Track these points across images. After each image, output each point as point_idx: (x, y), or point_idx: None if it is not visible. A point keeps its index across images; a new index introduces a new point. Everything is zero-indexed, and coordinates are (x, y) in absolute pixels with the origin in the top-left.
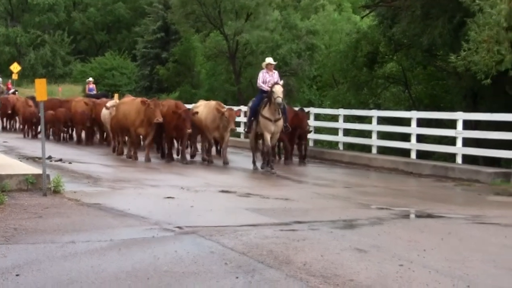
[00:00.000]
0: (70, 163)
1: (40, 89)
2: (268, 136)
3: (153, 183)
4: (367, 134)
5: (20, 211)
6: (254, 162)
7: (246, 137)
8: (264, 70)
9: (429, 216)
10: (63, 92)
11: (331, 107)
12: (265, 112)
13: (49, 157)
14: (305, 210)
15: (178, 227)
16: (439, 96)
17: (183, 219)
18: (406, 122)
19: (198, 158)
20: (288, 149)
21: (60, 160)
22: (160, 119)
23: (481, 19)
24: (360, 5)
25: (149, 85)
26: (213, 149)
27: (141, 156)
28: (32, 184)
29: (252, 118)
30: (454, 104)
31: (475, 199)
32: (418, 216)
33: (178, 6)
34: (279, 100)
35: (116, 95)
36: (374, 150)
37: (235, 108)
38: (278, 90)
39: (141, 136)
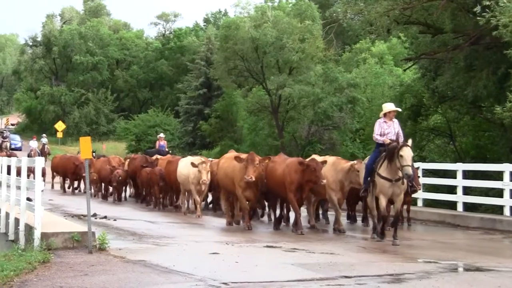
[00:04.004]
0: (115, 220)
1: (85, 147)
2: (383, 200)
3: (197, 239)
4: None
5: (66, 269)
6: (375, 229)
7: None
8: (382, 119)
9: (478, 269)
10: (107, 150)
11: None
12: (383, 170)
13: (94, 215)
14: (351, 265)
15: (223, 283)
16: (485, 147)
17: (229, 275)
18: (452, 174)
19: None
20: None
21: (105, 217)
22: (249, 178)
23: None
24: (402, 58)
25: (192, 141)
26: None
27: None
28: (77, 242)
29: (369, 178)
30: (500, 155)
31: None
32: (467, 269)
33: (220, 62)
34: (409, 170)
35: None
36: (420, 203)
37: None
38: (408, 155)
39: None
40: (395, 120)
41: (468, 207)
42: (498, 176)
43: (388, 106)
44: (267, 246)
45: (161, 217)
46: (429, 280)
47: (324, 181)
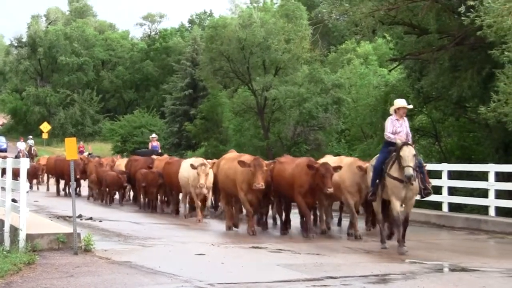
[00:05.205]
0: (100, 221)
1: (70, 148)
2: (397, 203)
3: (183, 240)
4: None
5: (51, 271)
6: (383, 240)
7: (365, 204)
8: (393, 117)
9: (463, 269)
10: (93, 151)
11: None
12: (394, 171)
13: (80, 216)
14: (337, 265)
15: (209, 284)
16: (470, 148)
17: (214, 275)
18: (437, 174)
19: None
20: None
21: (91, 218)
22: (259, 186)
23: (510, 70)
24: (387, 58)
25: (178, 142)
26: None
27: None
28: (63, 243)
29: (377, 181)
30: (485, 155)
31: (510, 252)
32: (452, 269)
33: (206, 63)
34: (409, 171)
35: None
36: None
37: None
38: (408, 154)
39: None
40: (405, 119)
41: (453, 207)
42: (483, 176)
43: (399, 102)
44: (253, 247)
45: (147, 218)
46: (415, 280)
47: (331, 189)
